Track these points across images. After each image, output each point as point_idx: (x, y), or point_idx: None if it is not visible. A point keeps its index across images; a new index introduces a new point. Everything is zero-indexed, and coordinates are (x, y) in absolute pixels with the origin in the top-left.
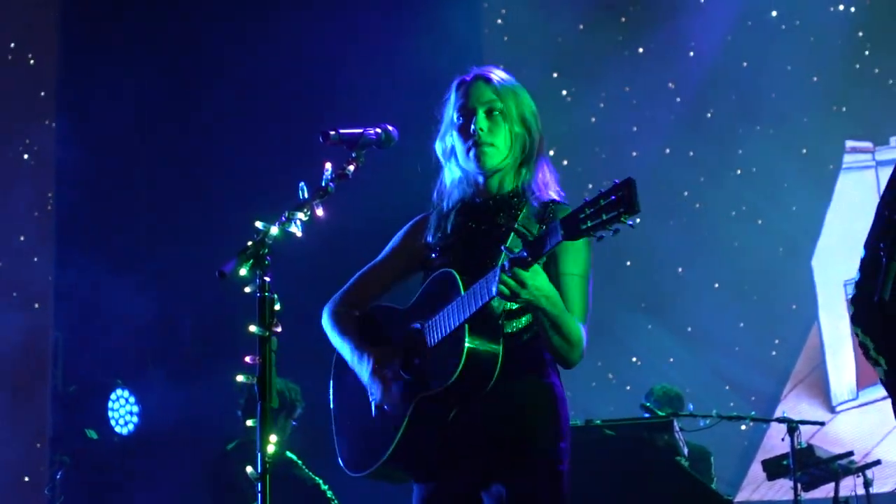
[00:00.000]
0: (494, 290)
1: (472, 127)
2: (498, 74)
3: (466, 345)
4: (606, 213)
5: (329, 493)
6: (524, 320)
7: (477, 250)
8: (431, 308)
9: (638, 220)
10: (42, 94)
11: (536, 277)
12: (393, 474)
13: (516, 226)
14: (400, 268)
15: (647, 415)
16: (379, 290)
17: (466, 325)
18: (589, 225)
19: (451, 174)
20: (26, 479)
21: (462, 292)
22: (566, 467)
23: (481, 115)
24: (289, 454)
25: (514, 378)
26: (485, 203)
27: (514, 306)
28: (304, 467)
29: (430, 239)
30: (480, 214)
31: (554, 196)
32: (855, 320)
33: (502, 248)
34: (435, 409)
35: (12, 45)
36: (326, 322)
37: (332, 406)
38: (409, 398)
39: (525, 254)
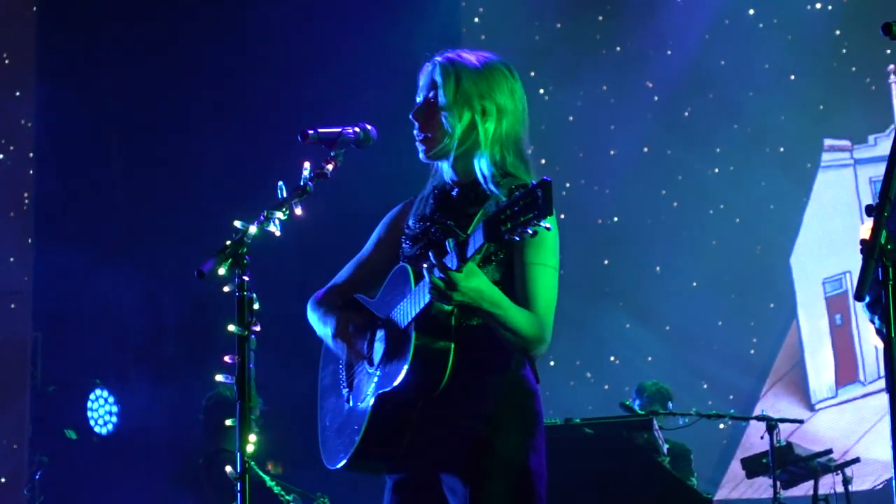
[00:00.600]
0: (427, 293)
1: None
2: (446, 57)
3: (413, 344)
4: (523, 216)
5: (276, 490)
6: None
7: (442, 240)
8: (391, 303)
9: (547, 226)
10: (17, 94)
11: (470, 279)
12: (365, 466)
13: (451, 225)
14: (386, 257)
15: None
16: (368, 281)
17: (413, 325)
18: (508, 227)
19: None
20: (2, 479)
21: (413, 288)
22: (536, 464)
23: (417, 106)
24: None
25: (482, 370)
26: (452, 190)
27: None
28: (255, 467)
29: (410, 223)
30: (450, 203)
31: (525, 180)
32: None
33: (431, 255)
34: (397, 403)
35: None
36: (310, 313)
37: (318, 398)
38: (372, 391)
39: (455, 259)
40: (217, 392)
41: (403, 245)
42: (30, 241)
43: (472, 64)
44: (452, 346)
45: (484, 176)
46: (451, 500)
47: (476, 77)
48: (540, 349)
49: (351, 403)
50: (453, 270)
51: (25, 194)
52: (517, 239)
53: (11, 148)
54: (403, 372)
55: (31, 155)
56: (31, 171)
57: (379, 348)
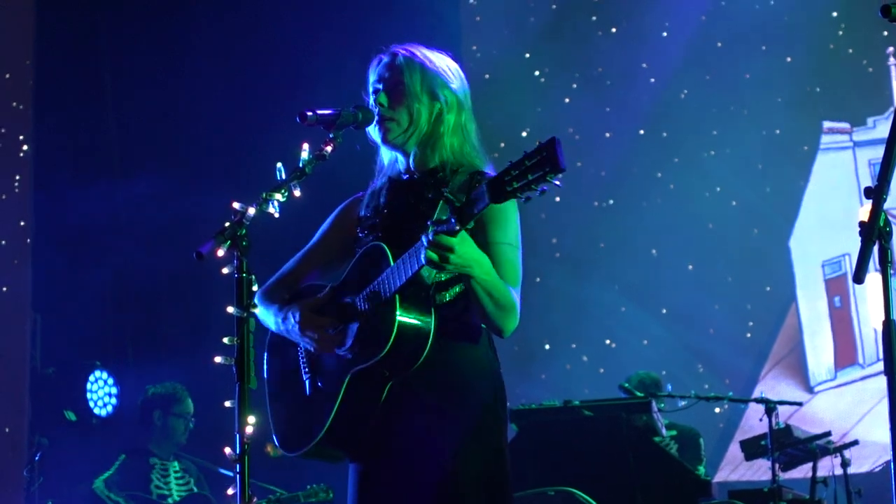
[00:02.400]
0: (423, 257)
1: (373, 104)
2: (407, 50)
3: (398, 317)
4: (532, 174)
5: None
6: (456, 289)
7: (406, 224)
8: (362, 282)
9: (558, 182)
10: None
11: (464, 244)
12: (329, 452)
13: (445, 193)
14: (335, 249)
15: (625, 395)
16: (315, 273)
17: (397, 296)
18: (515, 186)
19: (384, 153)
20: (2, 456)
21: (392, 264)
22: (504, 444)
23: (382, 91)
24: (96, 484)
25: (448, 350)
26: (411, 178)
27: (445, 277)
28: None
29: (361, 213)
30: (408, 190)
31: (481, 168)
32: None
33: (428, 221)
34: (369, 383)
35: None
36: (260, 308)
37: (266, 387)
38: (343, 373)
39: (452, 221)
40: (151, 393)
41: (359, 234)
42: (23, 223)
43: (430, 58)
44: (433, 320)
45: (443, 164)
46: (425, 481)
47: (437, 70)
48: (513, 323)
49: (315, 388)
50: (452, 234)
51: (17, 177)
52: (524, 197)
53: (3, 130)
54: (388, 345)
55: (22, 138)
56: (23, 149)
57: (351, 329)
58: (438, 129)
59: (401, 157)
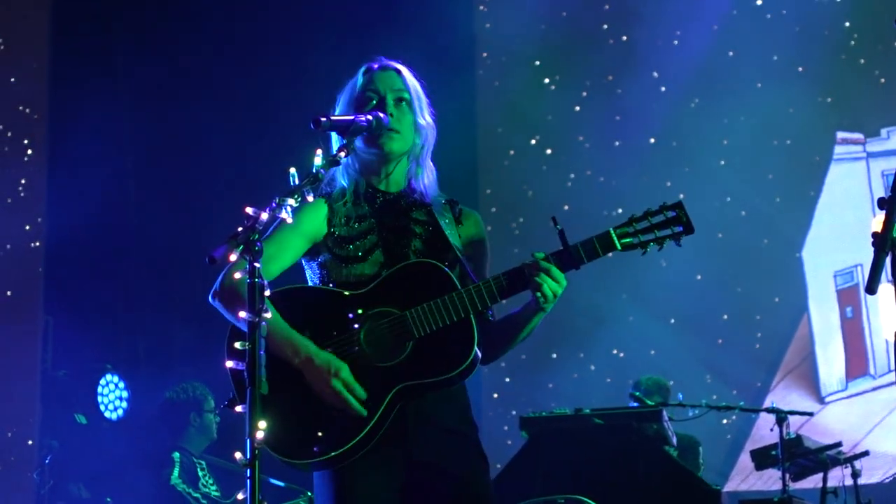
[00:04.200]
0: (544, 290)
1: (383, 113)
2: (404, 68)
3: (476, 338)
4: (659, 230)
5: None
6: None
7: (413, 245)
8: (410, 296)
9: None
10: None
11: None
12: (345, 461)
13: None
14: (297, 252)
15: (635, 404)
16: (280, 273)
17: (475, 321)
18: (640, 239)
19: (345, 161)
20: (12, 458)
21: (458, 287)
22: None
23: (391, 101)
24: (175, 454)
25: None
26: (394, 198)
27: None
28: (176, 467)
29: (340, 229)
30: (395, 208)
31: (444, 196)
32: None
33: (542, 254)
34: (406, 401)
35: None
36: (224, 299)
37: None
38: (387, 386)
39: (576, 260)
40: (165, 397)
41: (349, 246)
42: (39, 220)
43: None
44: (476, 338)
45: (425, 184)
46: (445, 493)
47: (425, 95)
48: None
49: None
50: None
51: (23, 181)
52: (644, 251)
53: (9, 134)
54: (464, 365)
55: (27, 142)
56: (27, 153)
57: (399, 342)
58: (423, 151)
59: (376, 168)
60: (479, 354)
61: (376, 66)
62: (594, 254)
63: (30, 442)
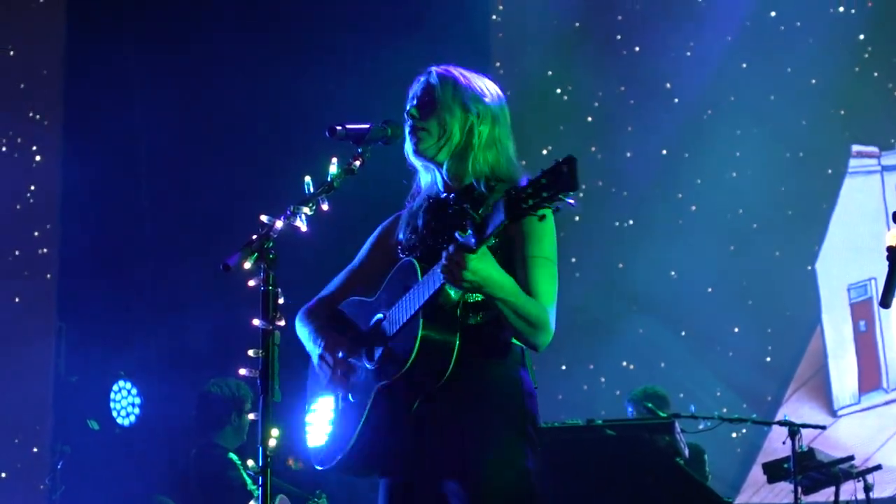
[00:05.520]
0: (440, 273)
1: (407, 118)
2: (443, 68)
3: (420, 332)
4: (547, 192)
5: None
6: (488, 311)
7: (443, 243)
8: (392, 298)
9: (571, 201)
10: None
11: (482, 262)
12: (356, 467)
13: (467, 209)
14: (377, 269)
15: (632, 411)
16: (358, 293)
17: (421, 313)
18: (530, 203)
19: (422, 174)
20: (18, 466)
21: (419, 279)
22: (533, 464)
23: (415, 106)
24: (231, 455)
25: (479, 369)
26: (447, 196)
27: (477, 297)
28: (241, 469)
29: (400, 237)
30: (445, 208)
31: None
32: None
33: (455, 234)
34: (395, 400)
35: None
36: (300, 327)
37: (306, 401)
38: (369, 388)
39: (472, 238)
40: (207, 389)
41: (400, 256)
42: (49, 226)
43: (465, 74)
44: (458, 338)
45: (478, 178)
46: (449, 497)
47: (470, 84)
48: (546, 339)
49: (347, 402)
50: (470, 251)
51: (32, 187)
52: (539, 214)
53: (19, 140)
54: (409, 362)
55: (35, 148)
56: (35, 159)
57: (379, 343)
58: (471, 141)
59: (438, 175)
60: (433, 346)
61: (422, 76)
62: (481, 228)
63: (34, 449)
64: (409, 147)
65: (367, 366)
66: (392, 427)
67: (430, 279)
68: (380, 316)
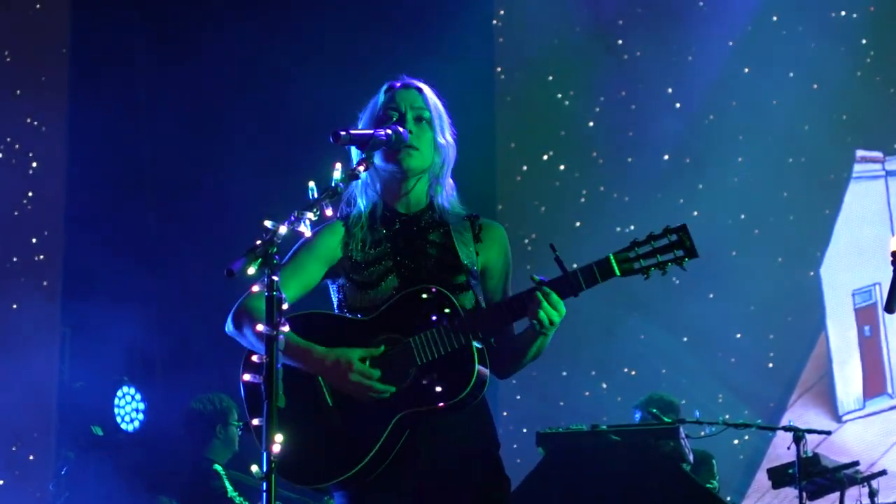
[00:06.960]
0: (540, 316)
1: (402, 128)
2: (426, 87)
3: (477, 366)
4: (662, 255)
5: (238, 500)
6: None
7: (426, 269)
8: (415, 323)
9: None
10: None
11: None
12: (350, 484)
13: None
14: (315, 276)
15: (638, 417)
16: (296, 296)
17: (474, 344)
18: (642, 264)
19: (365, 179)
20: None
21: (461, 314)
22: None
23: (411, 118)
24: (216, 466)
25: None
26: (411, 219)
27: None
28: (225, 478)
29: (356, 254)
30: (412, 230)
31: (465, 212)
32: None
33: (540, 277)
34: (414, 424)
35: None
36: (240, 324)
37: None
38: (390, 412)
39: (574, 285)
40: (190, 407)
41: (364, 270)
42: (46, 233)
43: (439, 101)
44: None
45: (442, 203)
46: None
47: (446, 114)
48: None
49: (347, 421)
50: (573, 294)
51: (30, 193)
52: (645, 276)
53: (17, 146)
54: (465, 392)
55: (32, 154)
56: (32, 165)
57: (408, 367)
58: (443, 170)
59: (395, 187)
60: (482, 379)
61: (398, 84)
62: (593, 280)
63: (31, 457)
64: (389, 161)
65: (389, 387)
66: (402, 448)
67: (493, 315)
68: (400, 340)
